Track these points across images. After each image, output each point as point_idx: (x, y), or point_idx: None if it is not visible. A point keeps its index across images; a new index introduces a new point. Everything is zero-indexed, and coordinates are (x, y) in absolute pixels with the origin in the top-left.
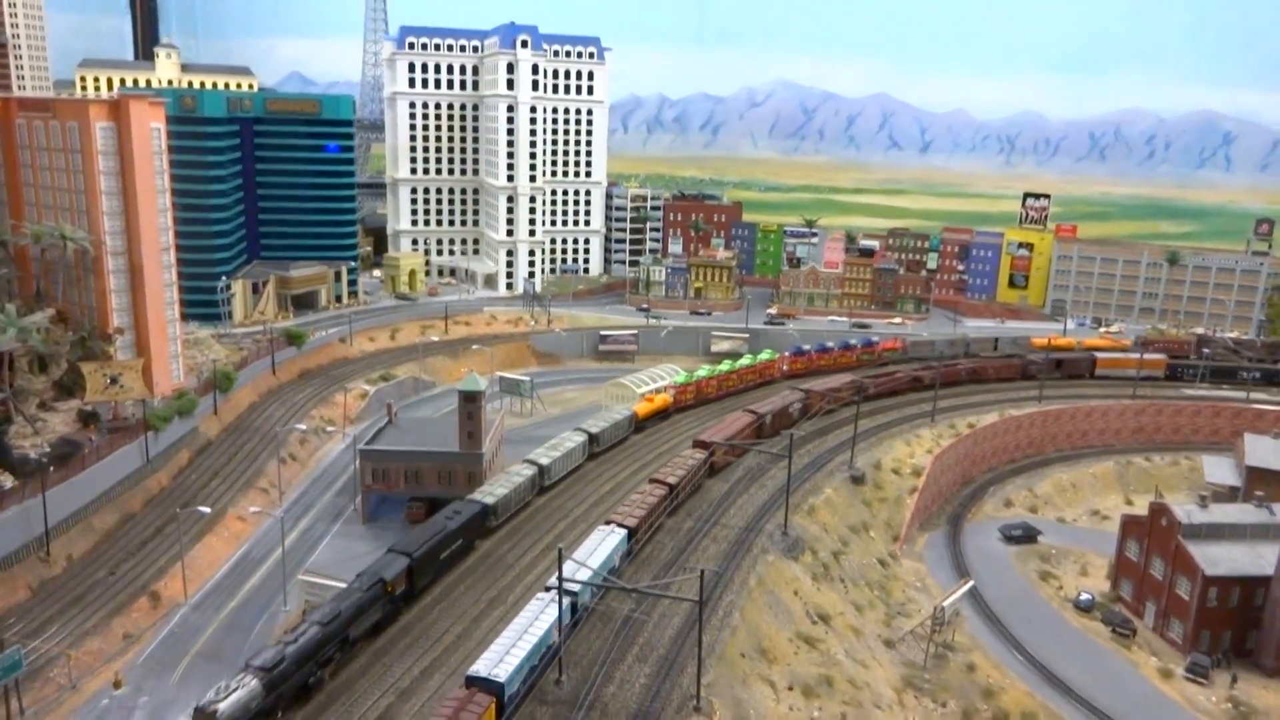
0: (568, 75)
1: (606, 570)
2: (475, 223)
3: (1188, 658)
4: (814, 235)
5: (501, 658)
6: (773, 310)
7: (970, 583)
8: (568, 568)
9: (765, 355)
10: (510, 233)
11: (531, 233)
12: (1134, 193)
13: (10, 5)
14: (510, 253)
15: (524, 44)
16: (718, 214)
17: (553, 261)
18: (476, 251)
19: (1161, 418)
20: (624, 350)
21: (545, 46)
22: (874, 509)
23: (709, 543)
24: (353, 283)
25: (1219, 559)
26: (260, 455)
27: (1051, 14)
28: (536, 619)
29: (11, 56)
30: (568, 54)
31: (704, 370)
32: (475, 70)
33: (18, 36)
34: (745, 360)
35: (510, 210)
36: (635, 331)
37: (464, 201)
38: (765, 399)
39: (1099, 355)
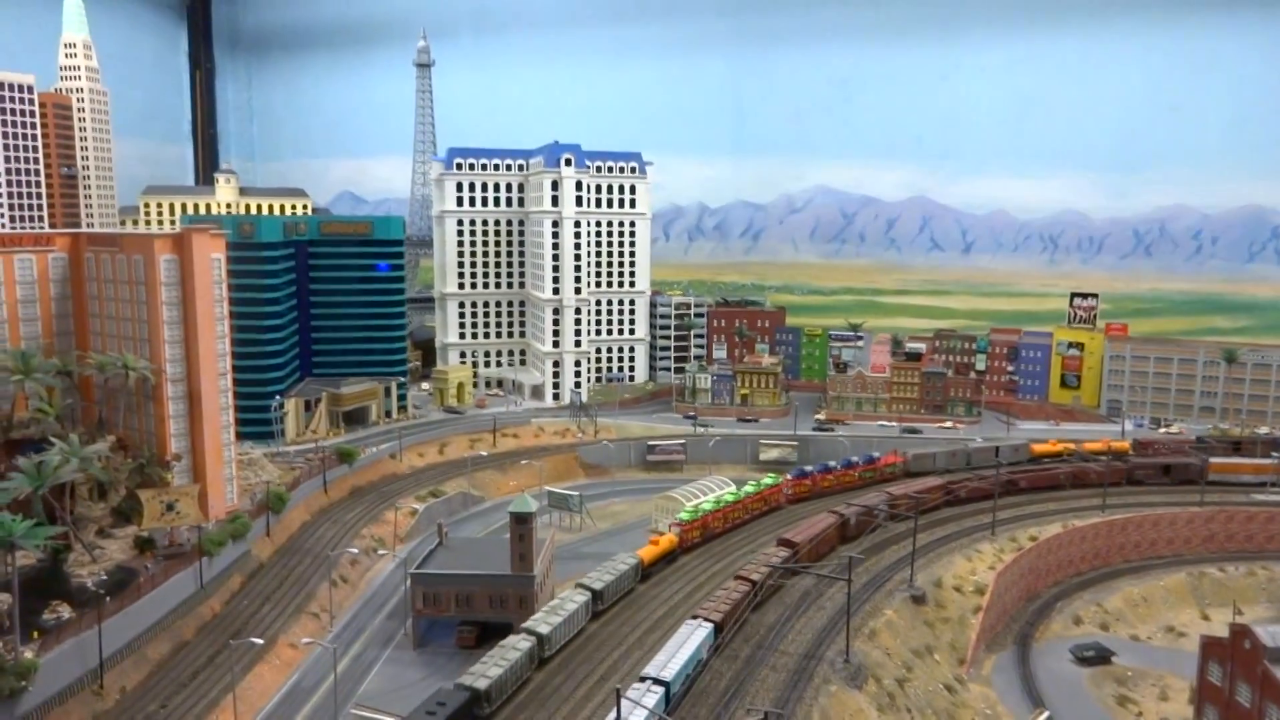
0: (610, 190)
1: None
2: (522, 334)
3: None
4: (859, 339)
5: None
6: (821, 416)
7: (1047, 713)
8: None
9: (768, 480)
10: (556, 344)
11: (577, 343)
12: (1183, 288)
13: (81, 136)
14: (556, 363)
15: (568, 162)
16: (761, 319)
17: (599, 371)
18: (523, 362)
19: (1233, 525)
20: (672, 460)
21: (588, 163)
22: (937, 630)
23: (768, 672)
24: (402, 397)
25: None
26: (311, 578)
27: (1088, 113)
28: None
29: (80, 188)
30: (610, 169)
31: (709, 503)
32: (520, 188)
33: (87, 167)
34: (749, 488)
35: (556, 321)
36: (683, 441)
37: (510, 314)
38: (788, 526)
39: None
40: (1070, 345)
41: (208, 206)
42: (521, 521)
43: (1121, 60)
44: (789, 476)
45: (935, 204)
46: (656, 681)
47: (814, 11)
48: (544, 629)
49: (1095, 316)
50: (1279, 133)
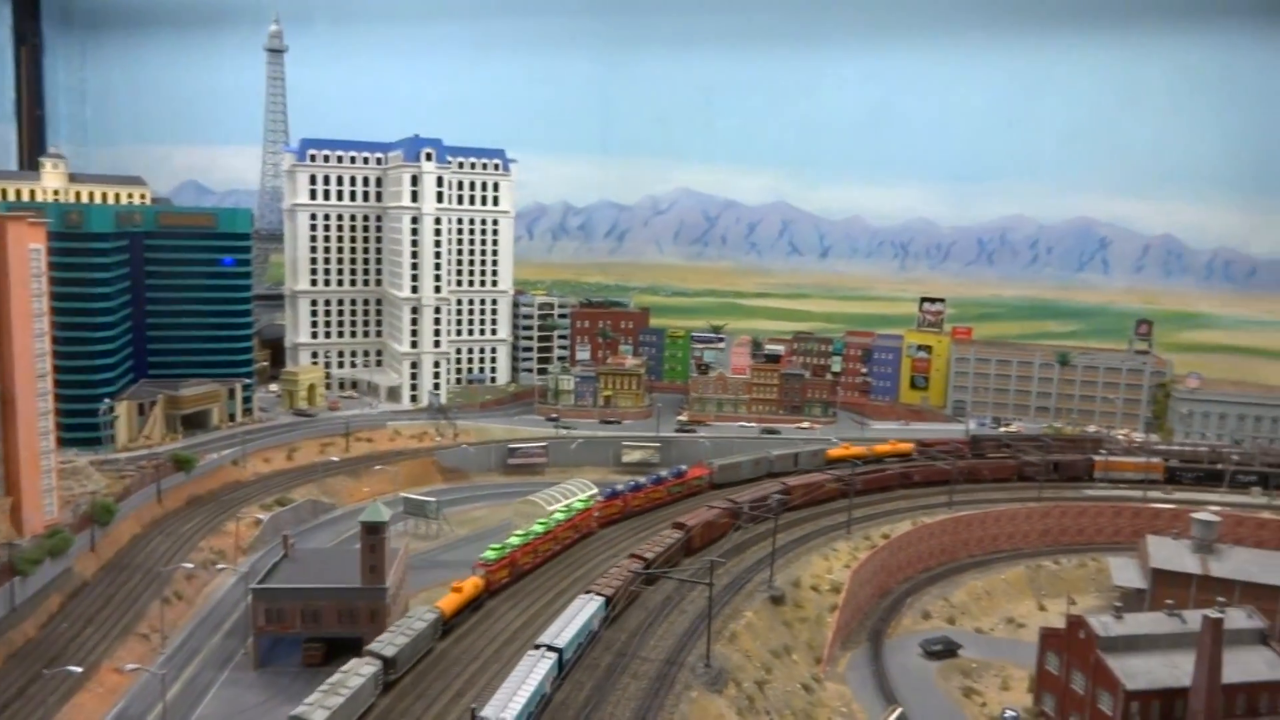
0: (472, 186)
1: None
2: (378, 334)
3: None
4: (721, 340)
5: None
6: (683, 417)
7: (899, 710)
8: None
9: (579, 504)
10: (414, 344)
11: (436, 343)
12: (1021, 294)
13: None
14: (415, 364)
15: (429, 156)
16: (625, 320)
17: (459, 372)
18: (380, 363)
19: (1066, 519)
20: (534, 463)
21: (450, 159)
22: (795, 630)
23: (629, 680)
24: (248, 400)
25: (1137, 672)
26: (142, 596)
27: (936, 127)
28: None
29: None
30: (473, 166)
31: (516, 538)
32: (378, 182)
33: None
34: (558, 515)
35: (414, 321)
36: (545, 444)
37: (366, 313)
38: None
39: (1096, 458)
40: (919, 348)
41: (31, 193)
42: (373, 531)
43: (966, 77)
44: (600, 498)
45: (795, 209)
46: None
47: (681, 16)
48: (318, 716)
49: (942, 321)
50: (1106, 150)
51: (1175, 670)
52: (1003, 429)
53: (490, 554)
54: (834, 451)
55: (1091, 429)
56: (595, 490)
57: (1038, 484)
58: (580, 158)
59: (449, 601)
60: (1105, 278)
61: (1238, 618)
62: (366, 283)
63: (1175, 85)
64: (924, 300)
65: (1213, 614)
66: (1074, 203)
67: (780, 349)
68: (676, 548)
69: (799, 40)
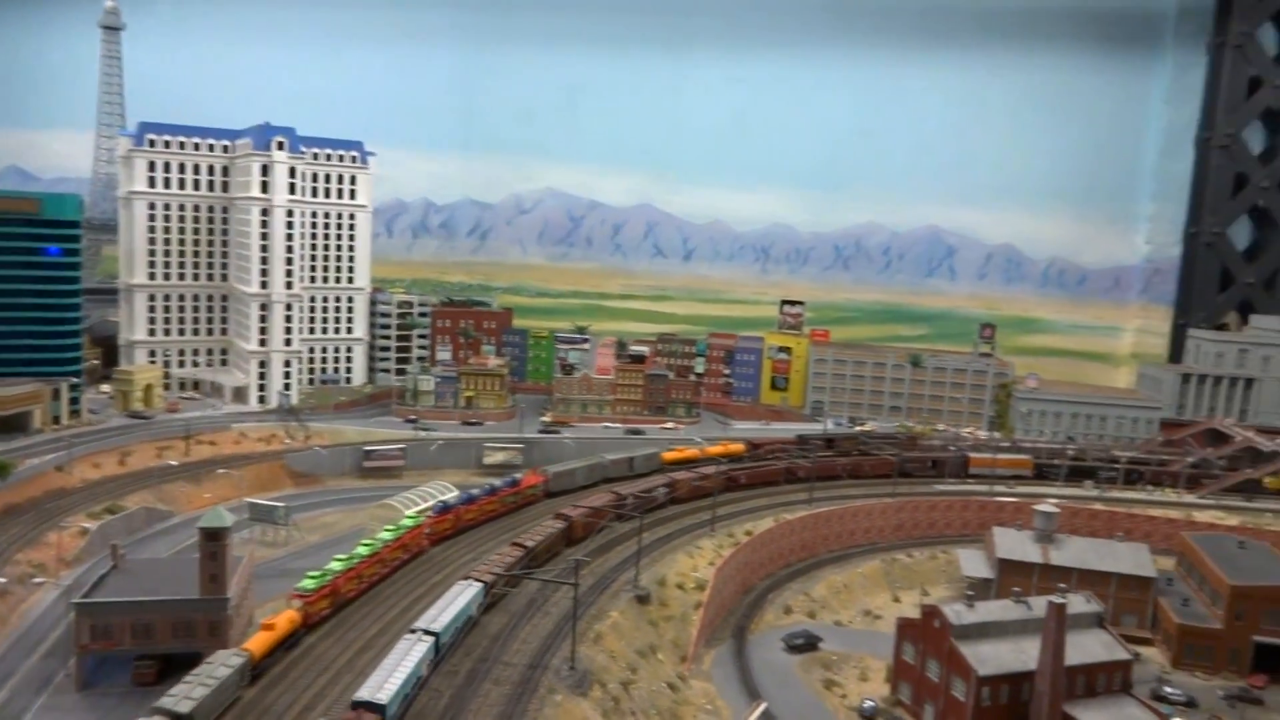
0: (327, 179)
1: None
2: (224, 331)
3: None
4: (585, 341)
5: None
6: (547, 419)
7: (763, 705)
8: None
9: (408, 521)
10: (263, 342)
11: (287, 342)
12: (875, 299)
13: None
14: (263, 364)
15: (280, 145)
16: (488, 320)
17: (312, 372)
18: (225, 363)
19: (918, 514)
20: (391, 466)
21: (303, 149)
22: (660, 629)
23: (490, 686)
24: (75, 400)
25: (988, 658)
26: None
27: (795, 134)
28: None
29: None
30: (328, 157)
31: (337, 562)
32: (225, 171)
33: None
34: (385, 534)
35: (263, 318)
36: (403, 446)
37: (210, 309)
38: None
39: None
40: (780, 349)
41: None
42: (213, 538)
43: (824, 87)
44: (431, 513)
45: (660, 212)
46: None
47: (546, 14)
48: None
49: (802, 323)
50: (953, 163)
51: (1023, 655)
52: (858, 428)
53: (308, 582)
54: (669, 455)
55: (940, 427)
56: (456, 493)
57: (891, 480)
58: (442, 154)
59: (259, 641)
60: (952, 284)
61: (1077, 603)
62: (211, 277)
63: (1016, 105)
64: (784, 303)
65: (1056, 599)
66: (924, 212)
67: (645, 350)
68: (556, 538)
69: (665, 44)
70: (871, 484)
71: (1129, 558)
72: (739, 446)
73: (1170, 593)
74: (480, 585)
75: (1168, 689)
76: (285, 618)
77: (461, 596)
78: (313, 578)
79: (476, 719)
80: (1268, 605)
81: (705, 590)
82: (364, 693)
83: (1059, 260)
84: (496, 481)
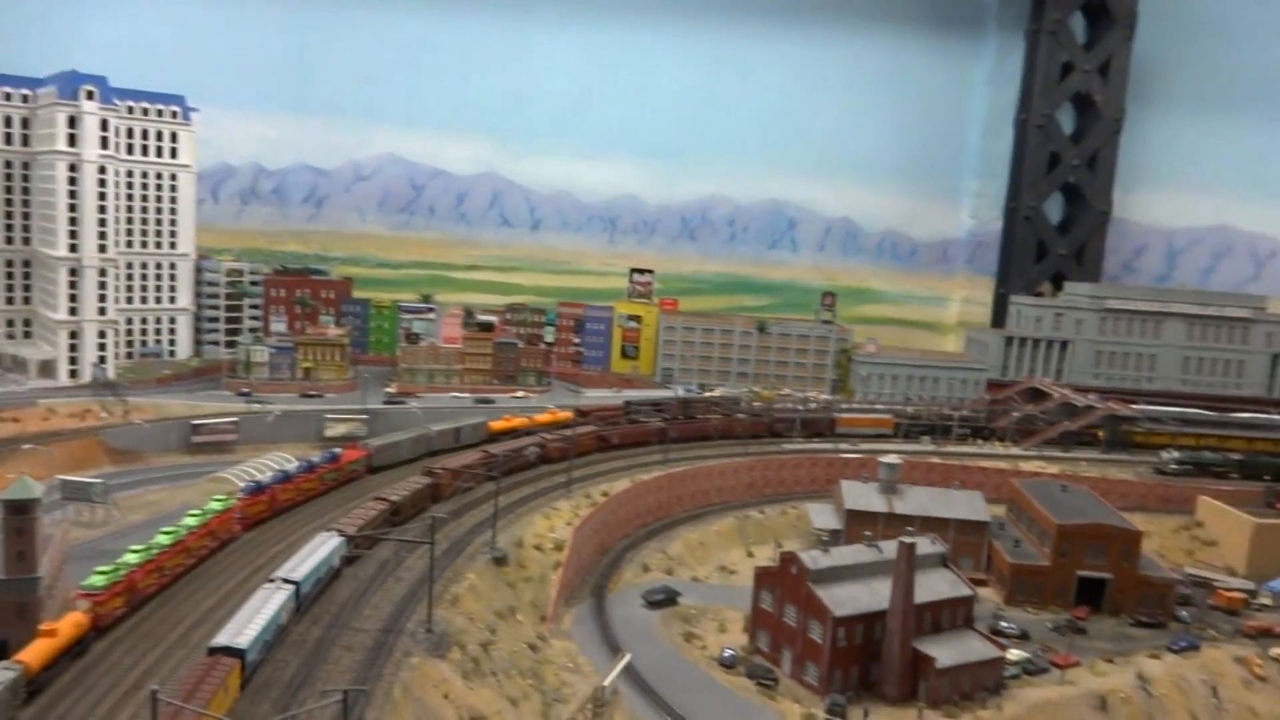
0: (145, 135)
1: None
2: (26, 300)
3: (826, 699)
4: (431, 310)
5: None
6: (392, 389)
7: (627, 657)
8: None
9: (215, 505)
10: (74, 311)
11: (101, 311)
12: (721, 270)
13: None
14: (74, 335)
15: (90, 95)
16: (326, 290)
17: (130, 345)
18: (29, 334)
19: (769, 471)
20: (223, 440)
21: (116, 102)
22: (519, 590)
23: (342, 653)
24: None
25: (843, 600)
26: None
27: (640, 105)
28: None
29: None
30: (145, 111)
31: (133, 554)
32: (25, 123)
33: None
34: (190, 520)
35: (74, 285)
36: (236, 419)
37: (10, 276)
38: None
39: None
40: (630, 318)
41: None
42: (19, 510)
43: (668, 57)
44: (242, 495)
45: (505, 181)
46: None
47: None
48: None
49: (652, 291)
50: (793, 136)
51: (875, 595)
52: (707, 393)
53: (98, 579)
54: (496, 424)
55: (785, 391)
56: (296, 464)
57: (743, 440)
58: (273, 116)
59: (37, 650)
60: (794, 255)
61: (924, 545)
62: (10, 240)
63: (851, 81)
64: (634, 271)
65: (906, 540)
66: (767, 184)
67: (494, 319)
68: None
69: (509, 6)
70: (723, 445)
71: (965, 504)
72: (567, 414)
73: (1002, 536)
74: (341, 539)
75: (1003, 623)
76: (70, 621)
77: (323, 548)
78: (103, 573)
79: (328, 686)
80: (1089, 542)
81: (564, 551)
82: (222, 638)
83: (892, 233)
84: (315, 457)
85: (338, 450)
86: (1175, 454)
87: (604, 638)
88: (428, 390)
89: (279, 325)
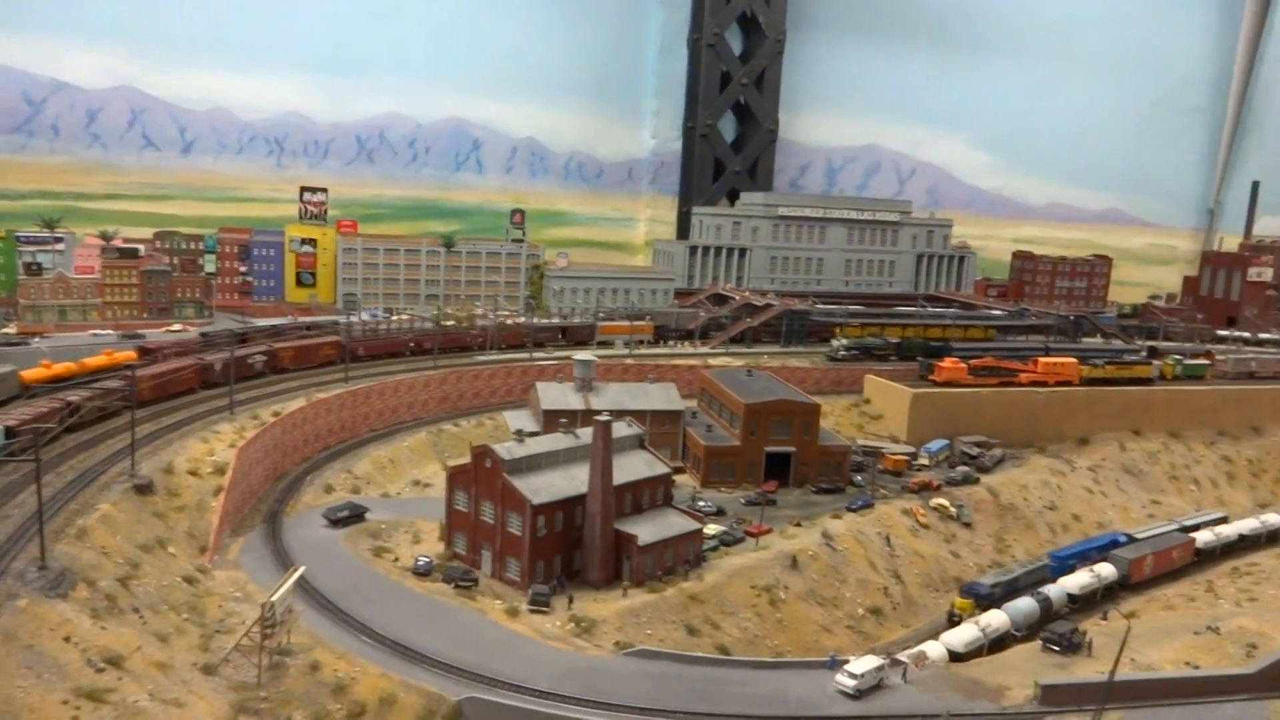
0: None
1: None
2: None
3: (529, 592)
4: (59, 241)
5: None
6: (10, 329)
7: (300, 569)
8: None
9: None
10: None
11: None
12: (404, 194)
13: None
14: None
15: None
16: None
17: None
18: None
19: (463, 384)
20: None
21: None
22: (171, 520)
23: None
24: None
25: (541, 488)
26: None
27: (301, 11)
28: None
29: None
30: None
31: None
32: None
33: None
34: None
35: None
36: None
37: None
38: None
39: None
40: (304, 242)
41: None
42: None
43: None
44: None
45: (147, 96)
46: None
47: None
48: None
49: (326, 211)
50: (472, 52)
51: (574, 480)
52: (395, 318)
53: None
54: (31, 374)
55: (479, 311)
56: None
57: (432, 354)
58: None
59: None
60: (480, 178)
61: (620, 428)
62: None
63: None
64: (304, 190)
65: (601, 419)
66: (448, 103)
67: (140, 248)
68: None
69: None
70: (412, 359)
71: (660, 396)
72: (130, 354)
73: (696, 424)
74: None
75: (700, 503)
76: None
77: None
78: None
79: None
80: (774, 418)
81: (226, 474)
82: None
83: (578, 154)
84: None
85: None
86: (844, 342)
87: (279, 562)
88: (59, 328)
89: None
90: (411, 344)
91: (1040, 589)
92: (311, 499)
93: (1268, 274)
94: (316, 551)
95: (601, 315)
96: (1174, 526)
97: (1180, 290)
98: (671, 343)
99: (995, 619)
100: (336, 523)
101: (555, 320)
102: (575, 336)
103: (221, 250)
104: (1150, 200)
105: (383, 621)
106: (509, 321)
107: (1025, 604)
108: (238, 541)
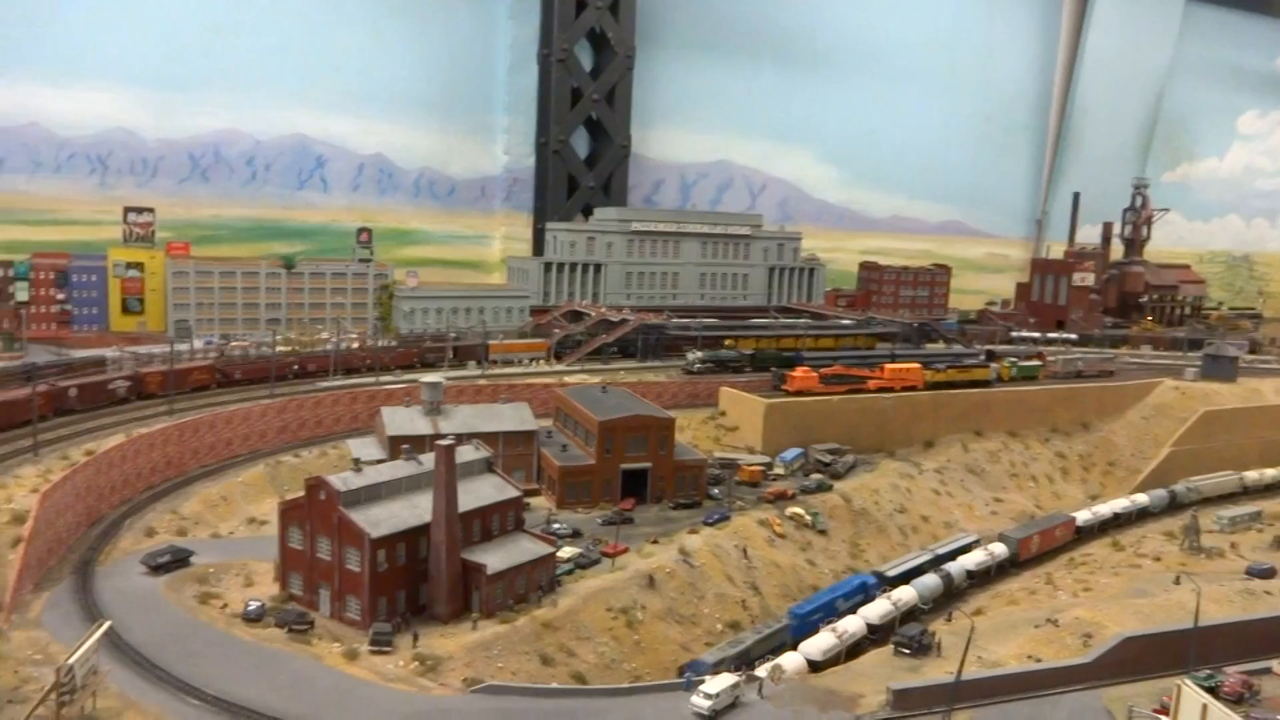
0: None
1: None
2: None
3: (370, 631)
4: None
5: None
6: None
7: (105, 624)
8: None
9: None
10: None
11: None
12: (242, 214)
13: None
14: None
15: None
16: None
17: None
18: None
19: (304, 412)
20: None
21: None
22: None
23: None
24: None
25: (381, 519)
26: None
27: (125, 22)
28: None
29: None
30: None
31: None
32: None
33: None
34: None
35: None
36: None
37: None
38: None
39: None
40: (129, 266)
41: None
42: None
43: None
44: None
45: None
46: None
47: None
48: None
49: (153, 233)
50: (316, 66)
51: (417, 509)
52: (235, 344)
53: None
54: None
55: (324, 335)
56: None
57: (218, 391)
58: None
59: None
60: (326, 196)
61: (466, 452)
62: None
63: (375, 9)
64: (129, 210)
65: (443, 443)
66: (289, 118)
67: None
68: None
69: None
70: (248, 389)
71: (512, 416)
72: None
73: (550, 443)
74: None
75: (555, 525)
76: None
77: None
78: None
79: None
80: (629, 434)
81: (26, 524)
82: None
83: (429, 171)
84: None
85: None
86: (699, 354)
87: (89, 617)
88: None
89: None
90: (295, 366)
91: (862, 607)
92: (130, 544)
93: (1090, 279)
94: (132, 603)
95: (455, 336)
96: (928, 557)
97: (1014, 296)
98: (528, 362)
99: (851, 624)
100: (157, 569)
101: (439, 342)
102: (467, 354)
103: (36, 277)
104: (985, 212)
105: (204, 676)
106: (392, 342)
107: (880, 606)
108: (41, 598)
